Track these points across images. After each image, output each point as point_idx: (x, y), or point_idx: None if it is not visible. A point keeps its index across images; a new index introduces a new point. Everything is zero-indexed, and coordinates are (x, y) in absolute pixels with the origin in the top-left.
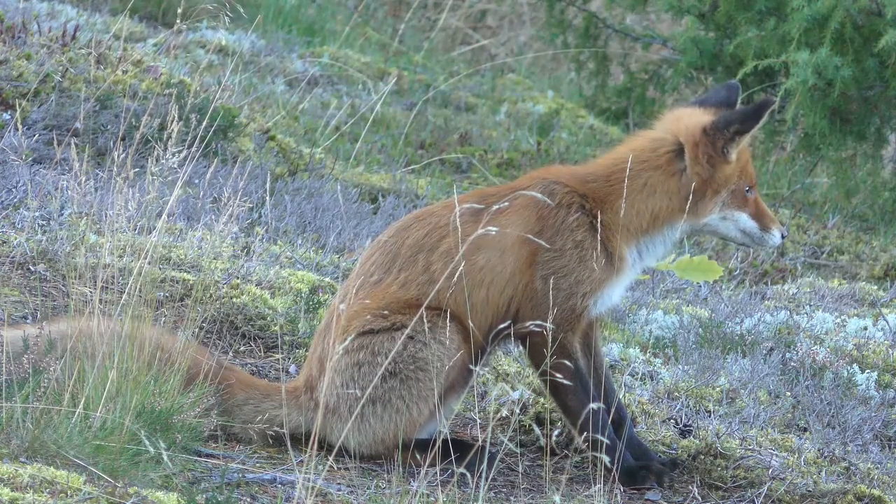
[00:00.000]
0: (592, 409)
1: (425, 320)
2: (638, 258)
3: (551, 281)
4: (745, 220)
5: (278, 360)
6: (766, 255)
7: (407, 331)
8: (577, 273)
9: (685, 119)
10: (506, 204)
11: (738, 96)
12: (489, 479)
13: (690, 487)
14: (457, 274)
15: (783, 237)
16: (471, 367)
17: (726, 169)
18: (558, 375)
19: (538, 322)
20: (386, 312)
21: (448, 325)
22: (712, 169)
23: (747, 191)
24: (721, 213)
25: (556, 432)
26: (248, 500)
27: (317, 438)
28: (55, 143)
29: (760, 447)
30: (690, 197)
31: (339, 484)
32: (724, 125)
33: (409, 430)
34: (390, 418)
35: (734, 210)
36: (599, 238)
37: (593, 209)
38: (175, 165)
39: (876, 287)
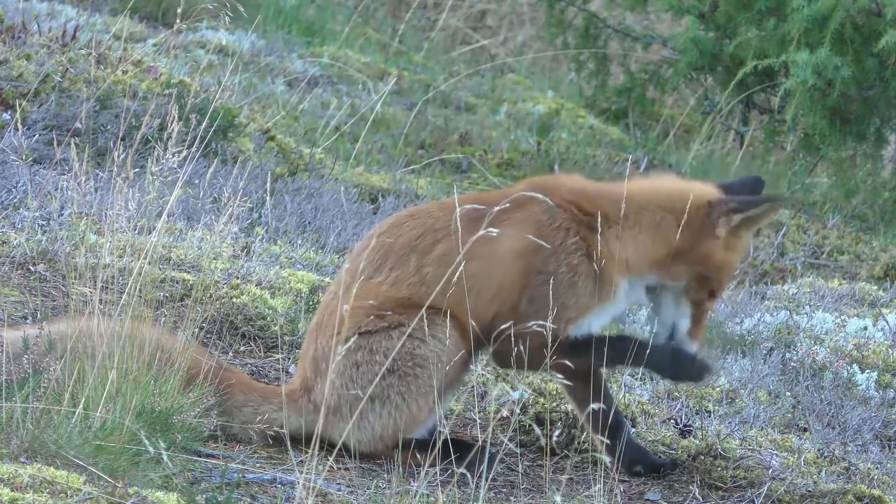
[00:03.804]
0: (593, 409)
1: (425, 318)
2: (628, 292)
3: (538, 301)
4: (685, 316)
5: (278, 360)
6: (766, 255)
7: (405, 329)
8: (565, 298)
9: (706, 187)
10: (506, 206)
11: (763, 190)
12: (489, 480)
13: (690, 487)
14: (450, 277)
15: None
16: (470, 366)
17: (710, 244)
18: (559, 376)
19: (539, 322)
20: (381, 312)
21: (445, 322)
22: (699, 237)
23: (709, 294)
24: (683, 287)
25: (556, 432)
26: (248, 500)
27: (316, 438)
28: (55, 143)
29: (760, 447)
30: (674, 255)
31: (339, 484)
32: (726, 201)
33: (408, 426)
34: (389, 415)
35: (686, 301)
36: (595, 264)
37: (593, 233)
38: (175, 165)
39: (876, 287)
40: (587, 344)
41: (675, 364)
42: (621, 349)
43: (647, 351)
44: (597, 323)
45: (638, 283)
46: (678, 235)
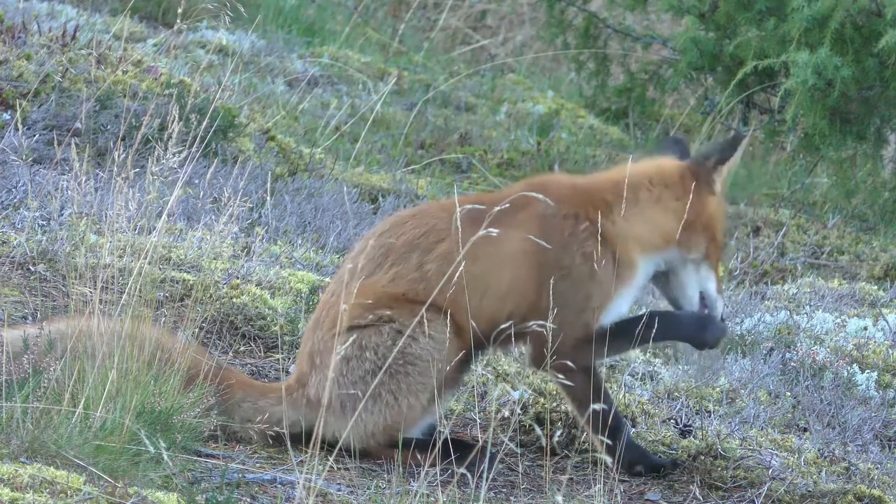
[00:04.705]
0: (594, 409)
1: (425, 318)
2: (646, 269)
3: (561, 297)
4: (711, 279)
5: (278, 360)
6: (766, 255)
7: (395, 325)
8: (588, 287)
9: (665, 159)
10: (507, 205)
11: (689, 148)
12: (489, 480)
13: (690, 487)
14: (449, 276)
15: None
16: (470, 365)
17: (712, 203)
18: (560, 376)
19: (541, 322)
20: (375, 308)
21: (439, 320)
22: (701, 203)
23: (717, 247)
24: (701, 255)
25: (556, 432)
26: (248, 500)
27: (316, 434)
28: (55, 143)
29: (760, 447)
30: (683, 227)
31: (339, 484)
32: (704, 158)
33: (399, 424)
34: (380, 412)
35: (707, 265)
36: (609, 246)
37: (599, 217)
38: (175, 165)
39: (876, 287)
40: (617, 330)
41: (701, 328)
42: (647, 326)
43: (670, 320)
44: (624, 305)
45: (654, 259)
46: (686, 209)
